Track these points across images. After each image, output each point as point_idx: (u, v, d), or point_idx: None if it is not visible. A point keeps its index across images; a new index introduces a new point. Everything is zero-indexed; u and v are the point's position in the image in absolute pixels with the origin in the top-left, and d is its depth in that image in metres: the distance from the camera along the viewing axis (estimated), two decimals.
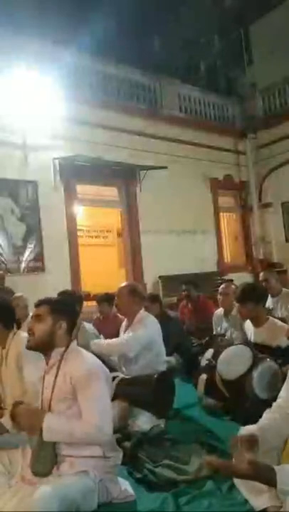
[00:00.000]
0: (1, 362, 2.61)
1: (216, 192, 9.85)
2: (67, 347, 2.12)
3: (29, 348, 2.16)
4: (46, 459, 1.95)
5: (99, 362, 2.17)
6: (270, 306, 4.92)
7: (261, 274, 5.12)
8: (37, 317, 2.15)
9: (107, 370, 2.32)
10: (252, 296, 3.31)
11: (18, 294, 4.90)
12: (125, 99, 8.35)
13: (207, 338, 4.46)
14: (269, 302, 4.99)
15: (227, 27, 12.23)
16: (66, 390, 2.02)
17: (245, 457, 1.56)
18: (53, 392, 2.04)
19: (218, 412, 3.19)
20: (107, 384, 2.16)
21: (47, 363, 2.14)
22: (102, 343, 3.42)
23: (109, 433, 2.00)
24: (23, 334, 2.67)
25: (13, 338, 2.64)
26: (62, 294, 4.12)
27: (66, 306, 2.27)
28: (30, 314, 2.38)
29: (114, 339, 3.49)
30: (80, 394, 1.99)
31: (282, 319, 3.96)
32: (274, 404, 2.08)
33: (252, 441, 1.85)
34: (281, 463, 1.80)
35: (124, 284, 3.69)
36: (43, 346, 2.12)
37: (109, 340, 3.47)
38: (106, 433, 1.96)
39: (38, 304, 2.21)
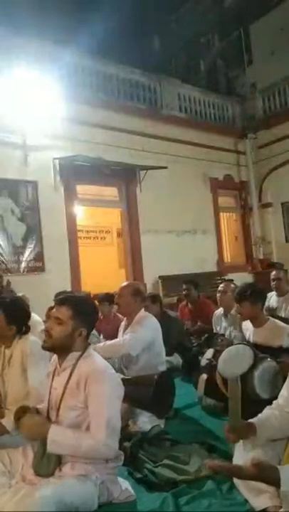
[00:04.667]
0: (5, 362, 2.60)
1: (216, 192, 9.84)
2: (83, 352, 2.07)
3: (45, 348, 2.10)
4: (50, 461, 1.93)
5: (111, 367, 2.13)
6: (275, 305, 4.92)
7: (273, 273, 5.08)
8: (57, 319, 2.04)
9: (118, 375, 2.26)
10: (248, 296, 3.31)
11: (19, 294, 4.90)
12: (125, 99, 8.34)
13: (206, 335, 4.47)
14: (274, 301, 4.99)
15: (227, 27, 12.22)
16: (78, 398, 1.96)
17: (249, 458, 1.55)
18: (63, 395, 2.00)
19: (218, 412, 3.18)
20: (119, 389, 2.08)
21: (60, 365, 2.09)
22: (104, 345, 3.36)
23: (116, 447, 1.96)
24: (31, 337, 2.66)
25: (19, 339, 2.62)
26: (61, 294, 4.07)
27: (89, 312, 2.14)
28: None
29: (115, 340, 3.44)
30: (90, 397, 1.94)
31: (286, 319, 3.96)
32: (274, 402, 2.08)
33: (249, 429, 1.85)
34: (282, 464, 1.80)
35: (126, 283, 3.64)
36: (59, 349, 2.07)
37: (110, 342, 3.42)
38: (113, 449, 1.93)
39: (60, 304, 2.08)
